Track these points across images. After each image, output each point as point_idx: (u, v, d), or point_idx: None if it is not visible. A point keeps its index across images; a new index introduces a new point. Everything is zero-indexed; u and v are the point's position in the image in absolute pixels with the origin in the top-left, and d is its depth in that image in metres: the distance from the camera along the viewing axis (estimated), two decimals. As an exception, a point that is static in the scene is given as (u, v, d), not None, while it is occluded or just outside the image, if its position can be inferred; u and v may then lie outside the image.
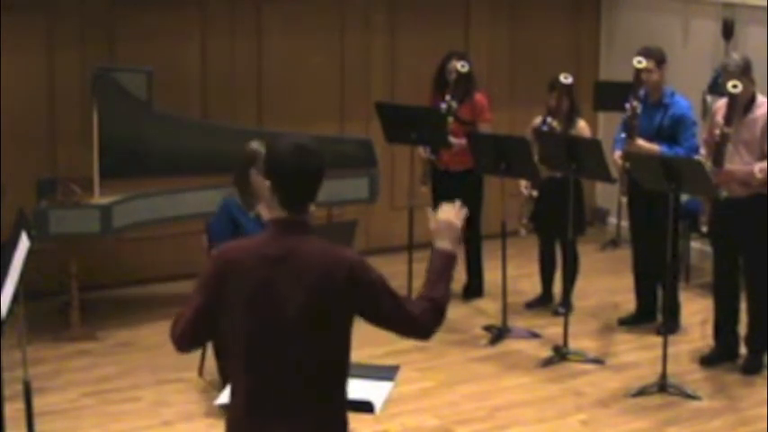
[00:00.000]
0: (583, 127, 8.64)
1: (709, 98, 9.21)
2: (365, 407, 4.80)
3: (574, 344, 8.13)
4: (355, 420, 6.94)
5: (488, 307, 8.98)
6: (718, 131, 7.57)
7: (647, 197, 8.06)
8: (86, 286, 8.64)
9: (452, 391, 7.61)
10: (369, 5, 10.08)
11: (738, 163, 7.57)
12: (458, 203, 4.31)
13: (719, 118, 7.58)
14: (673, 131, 8.15)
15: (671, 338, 7.85)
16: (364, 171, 9.13)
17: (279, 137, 4.15)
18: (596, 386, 7.66)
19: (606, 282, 9.51)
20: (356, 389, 4.85)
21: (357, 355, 8.10)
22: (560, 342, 8.12)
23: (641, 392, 7.50)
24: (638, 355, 8.14)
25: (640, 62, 8.10)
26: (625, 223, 9.78)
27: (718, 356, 7.96)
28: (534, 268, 9.08)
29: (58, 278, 8.48)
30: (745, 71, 7.56)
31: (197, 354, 7.29)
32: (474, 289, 9.21)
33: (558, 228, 8.46)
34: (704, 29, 9.92)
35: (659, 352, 7.60)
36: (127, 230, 8.52)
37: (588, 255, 9.74)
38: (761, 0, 9.34)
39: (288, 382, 4.00)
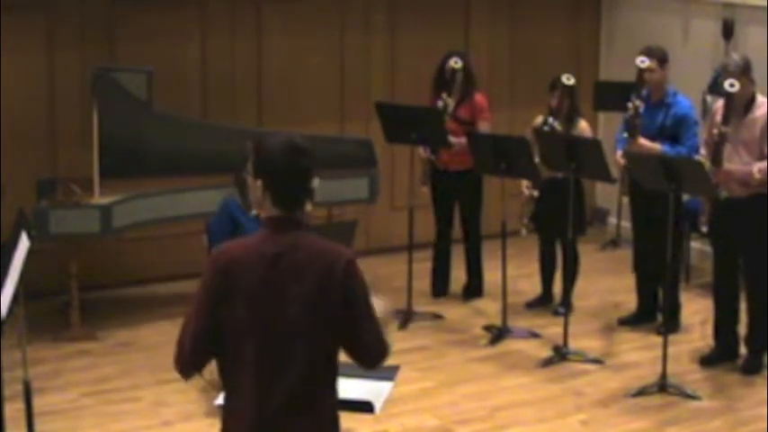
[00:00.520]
0: (584, 127, 8.64)
1: (709, 98, 9.21)
2: (365, 407, 4.80)
3: (574, 344, 8.13)
4: (355, 420, 6.95)
5: (488, 307, 8.98)
6: (716, 131, 7.57)
7: (648, 197, 8.06)
8: (86, 286, 8.64)
9: (452, 391, 7.61)
10: (369, 5, 10.08)
11: (738, 163, 7.57)
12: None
13: (719, 118, 7.58)
14: (675, 131, 8.15)
15: (671, 338, 7.85)
16: (364, 171, 9.13)
17: (267, 135, 4.11)
18: (596, 386, 7.66)
19: (606, 282, 9.51)
20: (356, 389, 4.85)
21: (357, 355, 8.08)
22: (560, 342, 8.12)
23: (641, 392, 7.50)
24: (638, 355, 8.14)
25: (643, 62, 8.10)
26: (625, 223, 9.79)
27: (718, 356, 7.96)
28: (534, 268, 9.08)
29: (58, 278, 8.48)
30: (744, 71, 7.55)
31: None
32: (474, 289, 9.22)
33: (559, 228, 8.46)
34: (704, 29, 9.92)
35: (659, 352, 7.60)
36: (127, 230, 8.52)
37: (588, 255, 9.74)
38: (761, 0, 9.34)
39: (290, 380, 3.99)
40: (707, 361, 7.96)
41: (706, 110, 9.05)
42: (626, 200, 8.79)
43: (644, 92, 8.18)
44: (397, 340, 8.43)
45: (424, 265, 9.18)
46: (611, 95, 9.59)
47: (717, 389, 7.64)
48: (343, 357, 4.16)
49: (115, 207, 8.24)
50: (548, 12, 10.74)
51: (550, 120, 8.49)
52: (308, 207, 4.07)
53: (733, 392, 7.59)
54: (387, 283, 9.34)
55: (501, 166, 8.21)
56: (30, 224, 6.10)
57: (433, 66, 8.94)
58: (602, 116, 10.65)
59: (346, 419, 6.89)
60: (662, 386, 7.52)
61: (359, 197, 9.13)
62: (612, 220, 10.74)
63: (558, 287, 8.94)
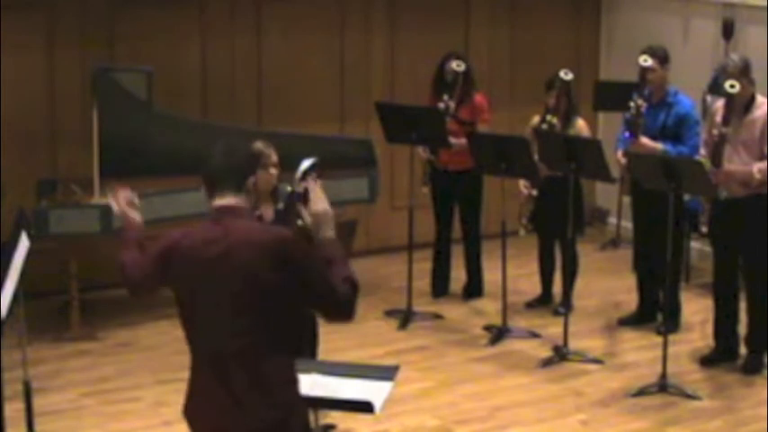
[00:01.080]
0: (582, 126, 8.64)
1: (709, 98, 9.21)
2: (365, 407, 4.80)
3: (574, 344, 8.13)
4: (355, 420, 6.95)
5: (488, 307, 8.98)
6: (716, 131, 7.57)
7: (649, 197, 8.06)
8: (86, 286, 8.64)
9: (452, 391, 7.61)
10: (369, 5, 10.08)
11: (738, 163, 7.57)
12: (317, 182, 4.76)
13: (719, 118, 7.58)
14: (676, 130, 8.15)
15: (671, 338, 7.85)
16: (364, 171, 9.13)
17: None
18: (596, 386, 7.66)
19: (606, 282, 9.51)
20: (356, 389, 4.86)
21: (357, 355, 8.14)
22: (560, 342, 8.12)
23: (641, 392, 7.50)
24: (638, 355, 8.14)
25: (646, 61, 8.10)
26: (625, 223, 9.79)
27: (718, 356, 7.96)
28: (534, 268, 9.08)
29: (58, 278, 8.48)
30: (744, 72, 7.56)
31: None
32: (474, 289, 9.22)
33: (557, 227, 8.47)
34: (704, 29, 9.92)
35: (659, 352, 7.60)
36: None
37: (588, 255, 9.74)
38: (761, 0, 9.34)
39: (234, 350, 4.39)
40: (707, 361, 7.96)
41: (706, 110, 9.05)
42: (626, 200, 8.79)
43: (645, 92, 8.18)
44: (397, 340, 8.47)
45: (424, 265, 9.18)
46: (611, 95, 9.59)
47: (717, 389, 7.64)
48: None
49: (115, 207, 8.23)
50: (548, 12, 10.75)
51: (548, 117, 8.48)
52: (241, 195, 4.48)
53: (733, 392, 7.59)
54: (387, 283, 9.35)
55: (501, 166, 8.21)
56: (30, 224, 6.10)
57: (432, 66, 8.95)
58: (601, 116, 10.64)
59: (346, 419, 6.92)
60: (662, 386, 7.52)
61: (359, 197, 9.12)
62: (612, 220, 10.74)
63: (557, 287, 8.94)
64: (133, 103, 8.49)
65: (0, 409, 6.00)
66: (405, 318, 8.70)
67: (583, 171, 8.12)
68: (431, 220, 9.22)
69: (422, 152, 8.93)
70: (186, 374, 4.56)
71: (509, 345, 8.34)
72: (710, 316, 8.06)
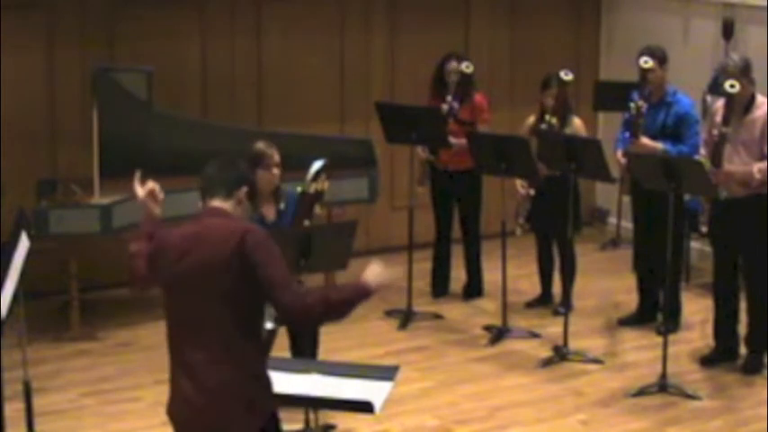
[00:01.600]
0: (578, 125, 8.65)
1: (709, 98, 9.21)
2: (365, 407, 4.81)
3: (574, 344, 8.13)
4: (355, 420, 6.95)
5: (488, 307, 8.98)
6: (716, 131, 7.57)
7: (649, 197, 8.06)
8: (86, 286, 8.64)
9: (452, 391, 7.61)
10: (369, 5, 10.08)
11: (738, 163, 7.57)
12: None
13: (719, 118, 7.58)
14: (676, 130, 8.16)
15: (671, 338, 7.85)
16: (364, 171, 9.13)
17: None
18: (596, 386, 7.66)
19: (606, 281, 9.51)
20: (356, 389, 4.86)
21: (357, 355, 8.14)
22: (560, 342, 8.12)
23: (641, 392, 7.50)
24: (638, 355, 8.14)
25: (647, 62, 8.10)
26: (625, 223, 9.79)
27: (719, 356, 7.96)
28: (534, 268, 9.08)
29: (58, 278, 8.48)
30: (744, 71, 7.55)
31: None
32: (474, 289, 9.22)
33: (555, 226, 8.47)
34: (704, 29, 9.92)
35: (659, 352, 7.60)
36: (127, 230, 8.49)
37: (588, 255, 9.75)
38: (761, 0, 9.34)
39: (204, 338, 4.62)
40: (707, 361, 7.96)
41: (706, 110, 9.05)
42: (626, 200, 8.79)
43: (645, 92, 8.17)
44: (397, 340, 8.46)
45: (424, 265, 9.18)
46: (611, 95, 9.59)
47: (717, 389, 7.64)
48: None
49: (115, 207, 8.24)
50: (548, 12, 10.74)
51: (547, 117, 8.48)
52: (231, 199, 4.75)
53: (733, 392, 7.59)
54: (386, 283, 9.34)
55: (501, 166, 8.21)
56: (30, 224, 6.10)
57: (432, 66, 8.94)
58: (601, 116, 10.64)
59: (346, 419, 6.92)
60: (662, 386, 7.52)
61: (359, 197, 9.13)
62: (612, 220, 10.73)
63: (557, 287, 8.94)
64: (133, 103, 8.49)
65: (0, 409, 6.00)
66: (405, 318, 8.70)
67: (583, 171, 8.12)
68: (431, 220, 9.22)
69: (420, 152, 8.93)
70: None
71: (509, 345, 8.34)
72: (710, 316, 8.06)
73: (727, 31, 9.68)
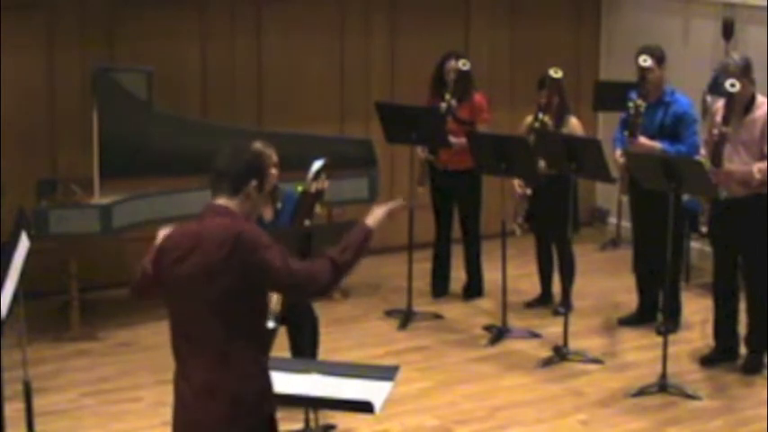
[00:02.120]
0: (574, 124, 8.65)
1: (709, 98, 9.21)
2: (365, 407, 4.80)
3: (574, 344, 8.13)
4: (355, 420, 6.95)
5: (488, 307, 8.98)
6: (716, 131, 7.57)
7: (648, 196, 8.06)
8: (86, 286, 8.64)
9: (452, 391, 7.61)
10: (369, 6, 10.08)
11: (738, 163, 7.57)
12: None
13: (719, 118, 7.58)
14: (674, 129, 8.16)
15: (671, 338, 7.85)
16: (364, 171, 9.14)
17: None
18: (596, 386, 7.66)
19: (606, 282, 9.51)
20: (356, 389, 4.86)
21: (357, 355, 8.13)
22: (560, 342, 8.12)
23: (641, 392, 7.50)
24: (638, 355, 8.14)
25: (645, 61, 8.10)
26: (625, 223, 9.79)
27: (719, 356, 7.96)
28: (534, 268, 9.08)
29: (58, 278, 8.48)
30: (744, 71, 7.55)
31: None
32: (474, 289, 9.22)
33: (554, 227, 8.47)
34: (704, 29, 9.92)
35: (659, 352, 7.60)
36: (127, 230, 8.51)
37: (588, 255, 9.75)
38: (761, 0, 9.34)
39: (203, 338, 4.61)
40: (707, 361, 7.96)
41: (706, 110, 9.05)
42: (626, 199, 8.78)
43: (644, 91, 8.17)
44: (397, 340, 8.46)
45: (424, 265, 9.18)
46: (611, 95, 9.59)
47: (717, 389, 7.64)
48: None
49: (115, 207, 8.24)
50: (548, 12, 10.74)
51: (540, 116, 8.48)
52: (240, 197, 4.67)
53: (733, 392, 7.59)
54: (387, 283, 9.35)
55: (501, 165, 8.21)
56: (30, 224, 6.10)
57: (432, 66, 8.94)
58: (601, 116, 10.64)
59: (346, 419, 6.92)
60: (662, 386, 7.52)
61: (359, 197, 9.12)
62: (612, 220, 10.74)
63: (557, 287, 8.94)
64: (133, 103, 8.49)
65: (0, 409, 6.00)
66: (405, 318, 8.70)
67: (583, 171, 8.12)
68: (431, 220, 9.22)
69: (420, 152, 8.93)
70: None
71: (509, 345, 8.34)
72: (710, 316, 8.06)
73: (727, 31, 9.68)
